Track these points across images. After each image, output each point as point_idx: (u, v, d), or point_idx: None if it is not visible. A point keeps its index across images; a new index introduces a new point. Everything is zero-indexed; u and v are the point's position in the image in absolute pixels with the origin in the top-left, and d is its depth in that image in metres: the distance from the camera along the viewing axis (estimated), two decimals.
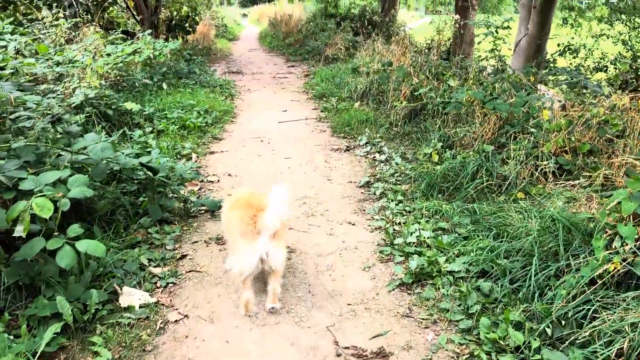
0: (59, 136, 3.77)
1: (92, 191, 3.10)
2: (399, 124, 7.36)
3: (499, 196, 4.44)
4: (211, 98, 9.25)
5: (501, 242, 3.54)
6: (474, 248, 3.55)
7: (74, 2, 9.82)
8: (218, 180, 5.48)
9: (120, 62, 7.30)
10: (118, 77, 7.74)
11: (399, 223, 4.28)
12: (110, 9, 15.69)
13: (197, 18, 16.99)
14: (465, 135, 5.71)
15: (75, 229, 2.89)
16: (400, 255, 3.73)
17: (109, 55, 7.16)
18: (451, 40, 11.93)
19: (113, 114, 6.60)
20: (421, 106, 7.45)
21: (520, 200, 4.33)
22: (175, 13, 16.54)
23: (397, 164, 5.75)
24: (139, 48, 8.20)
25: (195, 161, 6.15)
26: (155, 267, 3.62)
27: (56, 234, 2.88)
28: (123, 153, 4.13)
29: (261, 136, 7.38)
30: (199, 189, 5.20)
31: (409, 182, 5.19)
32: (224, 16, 28.36)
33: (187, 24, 16.34)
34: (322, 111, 8.99)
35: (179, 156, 6.16)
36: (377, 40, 12.90)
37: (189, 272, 3.61)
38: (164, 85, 8.24)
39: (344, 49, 14.24)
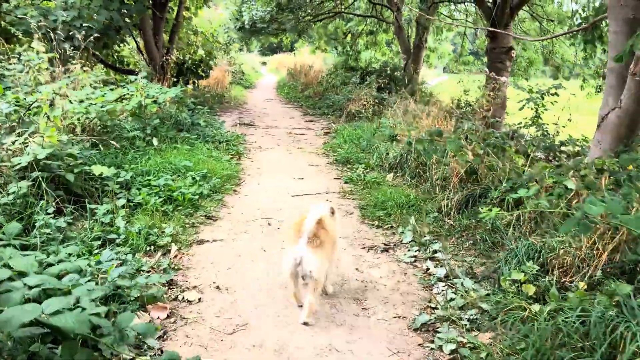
0: None
1: None
2: (451, 212, 5.60)
3: None
4: (213, 157, 7.61)
5: None
6: None
7: (69, 37, 8.35)
8: (199, 300, 3.66)
9: (97, 110, 5.67)
10: (99, 129, 6.10)
11: None
12: (122, 47, 14.47)
13: (211, 63, 15.68)
14: (566, 252, 3.89)
15: None
16: None
17: (82, 101, 5.54)
18: (491, 103, 10.33)
19: (75, 180, 4.94)
20: (481, 191, 5.71)
21: None
22: (188, 56, 15.25)
23: (463, 285, 3.93)
24: (128, 94, 6.60)
25: (175, 256, 4.39)
26: None
27: None
28: (24, 284, 2.36)
29: (269, 217, 5.64)
30: (167, 317, 3.38)
31: (491, 326, 3.35)
32: (242, 62, 27.36)
33: (200, 69, 15.02)
34: (346, 182, 7.29)
35: (152, 249, 4.41)
36: (409, 99, 11.38)
37: None
38: (155, 142, 6.57)
39: (370, 105, 12.67)
